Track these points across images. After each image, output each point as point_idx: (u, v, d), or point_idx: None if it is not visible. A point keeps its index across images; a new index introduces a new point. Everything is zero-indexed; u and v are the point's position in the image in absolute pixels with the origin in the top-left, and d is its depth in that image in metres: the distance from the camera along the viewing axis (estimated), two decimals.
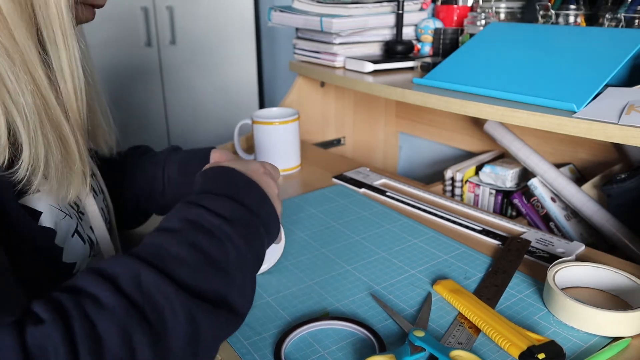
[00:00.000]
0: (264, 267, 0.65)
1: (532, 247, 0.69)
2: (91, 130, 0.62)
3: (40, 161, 0.44)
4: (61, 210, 0.50)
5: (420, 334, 0.51)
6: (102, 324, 0.35)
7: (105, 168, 0.67)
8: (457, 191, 1.03)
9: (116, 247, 0.62)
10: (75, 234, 0.51)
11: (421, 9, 1.10)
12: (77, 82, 0.48)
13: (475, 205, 1.00)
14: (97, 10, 0.54)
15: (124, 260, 0.40)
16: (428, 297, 0.59)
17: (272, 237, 0.52)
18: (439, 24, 1.06)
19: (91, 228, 0.57)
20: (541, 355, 0.47)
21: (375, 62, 0.99)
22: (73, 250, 0.50)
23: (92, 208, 0.57)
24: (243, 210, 0.47)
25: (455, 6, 1.07)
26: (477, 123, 1.11)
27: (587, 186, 0.86)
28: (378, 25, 1.06)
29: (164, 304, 0.38)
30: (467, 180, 1.02)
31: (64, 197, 0.48)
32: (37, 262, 0.46)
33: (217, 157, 0.69)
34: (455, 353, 0.48)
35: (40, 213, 0.47)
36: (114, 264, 0.39)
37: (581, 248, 0.68)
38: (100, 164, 0.65)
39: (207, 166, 0.54)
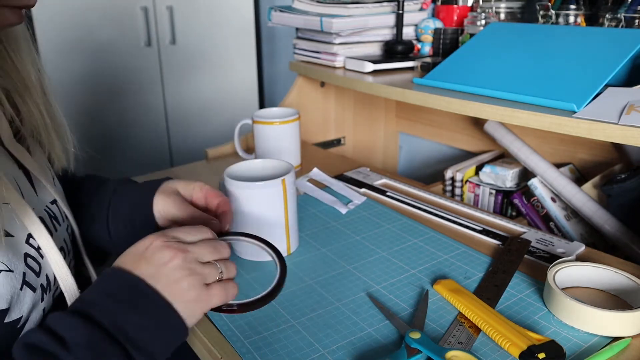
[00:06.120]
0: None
1: (532, 247, 0.69)
2: (44, 145, 0.60)
3: None
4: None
5: (416, 335, 0.51)
6: None
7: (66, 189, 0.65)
8: (457, 191, 1.03)
9: (88, 276, 0.58)
10: (24, 286, 0.47)
11: (421, 9, 1.10)
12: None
13: (475, 205, 1.00)
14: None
15: None
16: (424, 295, 0.59)
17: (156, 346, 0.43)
18: (439, 24, 1.06)
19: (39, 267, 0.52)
20: (541, 355, 0.47)
21: (375, 62, 0.99)
22: (19, 305, 0.47)
23: (48, 246, 0.52)
24: (93, 329, 0.40)
25: (455, 6, 1.07)
26: (477, 123, 1.11)
27: (587, 186, 0.86)
28: (378, 25, 1.06)
29: None
30: (467, 180, 1.02)
31: None
32: None
33: (160, 208, 0.60)
34: (451, 354, 0.48)
35: None
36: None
37: (581, 248, 0.68)
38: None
39: (123, 258, 0.46)
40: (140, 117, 1.95)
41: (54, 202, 0.59)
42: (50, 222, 0.56)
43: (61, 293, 0.54)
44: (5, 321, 0.46)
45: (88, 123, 1.87)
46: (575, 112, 0.64)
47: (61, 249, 0.55)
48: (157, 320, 0.43)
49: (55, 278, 0.53)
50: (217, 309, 0.49)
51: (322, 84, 1.22)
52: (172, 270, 0.45)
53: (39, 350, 0.40)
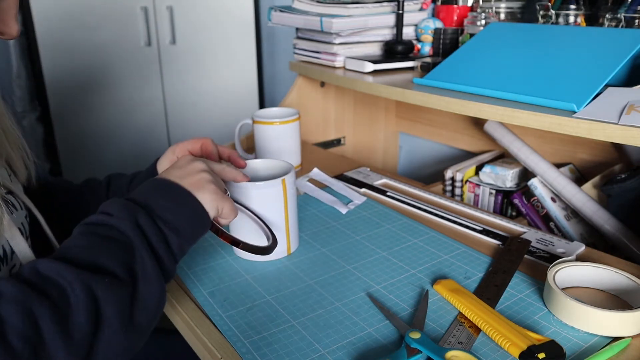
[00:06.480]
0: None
1: (532, 247, 0.69)
2: (5, 159, 0.62)
3: None
4: None
5: (416, 335, 0.51)
6: (2, 308, 0.39)
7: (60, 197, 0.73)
8: (457, 191, 1.03)
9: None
10: None
11: (421, 9, 1.10)
12: None
13: (475, 205, 1.00)
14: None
15: (28, 263, 0.45)
16: (424, 295, 0.59)
17: (176, 215, 0.52)
18: (439, 24, 1.06)
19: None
20: (541, 355, 0.47)
21: (375, 62, 0.99)
22: None
23: (3, 220, 0.55)
24: (128, 203, 0.51)
25: (455, 6, 1.07)
26: (477, 123, 1.11)
27: (587, 186, 0.86)
28: (378, 25, 1.06)
29: (61, 282, 0.42)
30: (467, 180, 1.02)
31: None
32: None
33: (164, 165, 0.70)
34: (451, 354, 0.48)
35: None
36: (19, 268, 0.43)
37: (581, 248, 0.68)
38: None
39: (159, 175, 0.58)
40: (140, 117, 1.95)
41: (10, 192, 0.60)
42: (6, 206, 0.57)
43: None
44: None
45: (88, 123, 1.87)
46: (575, 112, 0.64)
47: (18, 229, 0.57)
48: (179, 202, 0.53)
49: (12, 252, 0.55)
50: (227, 238, 0.59)
51: (322, 84, 1.22)
52: (197, 173, 0.56)
53: (92, 223, 0.50)
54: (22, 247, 0.56)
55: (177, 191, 0.53)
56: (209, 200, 0.54)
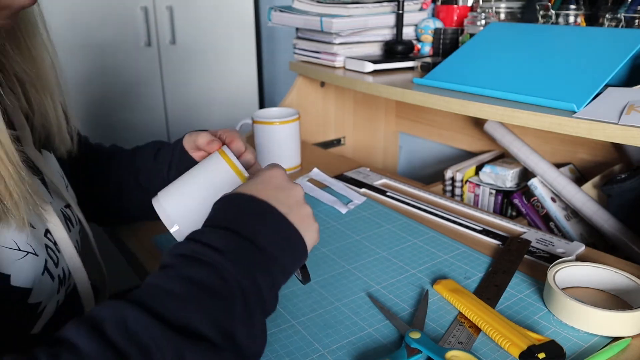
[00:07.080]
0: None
1: (532, 247, 0.69)
2: (45, 132, 0.60)
3: None
4: (20, 250, 0.47)
5: (416, 335, 0.51)
6: None
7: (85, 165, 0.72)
8: (457, 191, 1.03)
9: (89, 274, 0.59)
10: (45, 272, 0.49)
11: (421, 9, 1.10)
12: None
13: (475, 205, 1.00)
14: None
15: (113, 303, 0.38)
16: (424, 295, 0.59)
17: (287, 266, 0.46)
18: (439, 24, 1.06)
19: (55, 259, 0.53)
20: (541, 355, 0.47)
21: (375, 62, 0.99)
22: (40, 290, 0.49)
23: (64, 241, 0.54)
24: (238, 239, 0.43)
25: (455, 6, 1.07)
26: (477, 123, 1.11)
27: (587, 186, 0.86)
28: (378, 25, 1.06)
29: (151, 345, 0.36)
30: (467, 180, 1.02)
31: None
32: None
33: (191, 141, 0.67)
34: (451, 354, 0.48)
35: None
36: (103, 308, 0.38)
37: (581, 248, 0.68)
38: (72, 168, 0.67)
39: (230, 192, 0.49)
40: (139, 117, 1.95)
41: (68, 206, 0.60)
42: (65, 222, 0.57)
43: (73, 290, 0.57)
44: (28, 302, 0.48)
45: (87, 123, 1.87)
46: (575, 112, 0.64)
47: (74, 247, 0.57)
48: (294, 247, 0.46)
49: (69, 273, 0.55)
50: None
51: (322, 84, 1.22)
52: (302, 205, 0.48)
53: (194, 258, 0.42)
54: (77, 267, 0.56)
55: (291, 233, 0.46)
56: (312, 243, 0.48)
